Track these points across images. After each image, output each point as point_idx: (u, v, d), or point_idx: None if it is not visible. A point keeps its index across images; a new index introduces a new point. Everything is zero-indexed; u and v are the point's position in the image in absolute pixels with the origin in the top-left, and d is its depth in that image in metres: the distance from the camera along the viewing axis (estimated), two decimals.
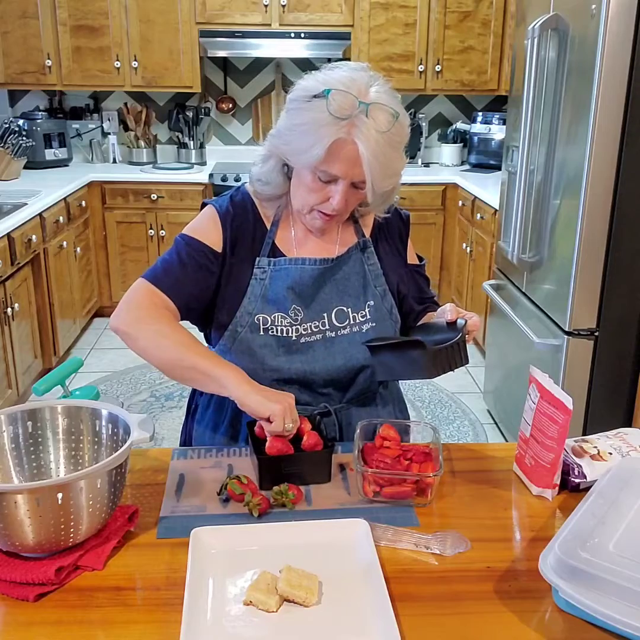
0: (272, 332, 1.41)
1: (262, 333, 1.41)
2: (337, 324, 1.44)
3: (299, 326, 1.42)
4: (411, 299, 1.56)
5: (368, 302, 1.46)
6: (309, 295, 1.42)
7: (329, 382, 1.45)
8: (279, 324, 1.41)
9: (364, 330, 1.45)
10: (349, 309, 1.45)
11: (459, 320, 1.33)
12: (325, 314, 1.43)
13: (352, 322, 1.45)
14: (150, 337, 1.30)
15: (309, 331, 1.42)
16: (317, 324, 1.43)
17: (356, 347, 1.44)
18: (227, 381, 1.25)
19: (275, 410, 1.21)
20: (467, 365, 1.33)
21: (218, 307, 1.43)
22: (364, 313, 1.46)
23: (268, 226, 1.44)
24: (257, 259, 1.41)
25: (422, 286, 1.58)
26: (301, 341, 1.42)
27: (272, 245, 1.43)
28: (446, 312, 1.35)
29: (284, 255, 1.43)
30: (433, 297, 1.61)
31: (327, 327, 1.44)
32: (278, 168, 1.38)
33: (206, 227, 1.42)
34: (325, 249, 1.45)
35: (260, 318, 1.41)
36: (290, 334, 1.41)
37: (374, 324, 1.46)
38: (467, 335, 1.34)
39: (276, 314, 1.41)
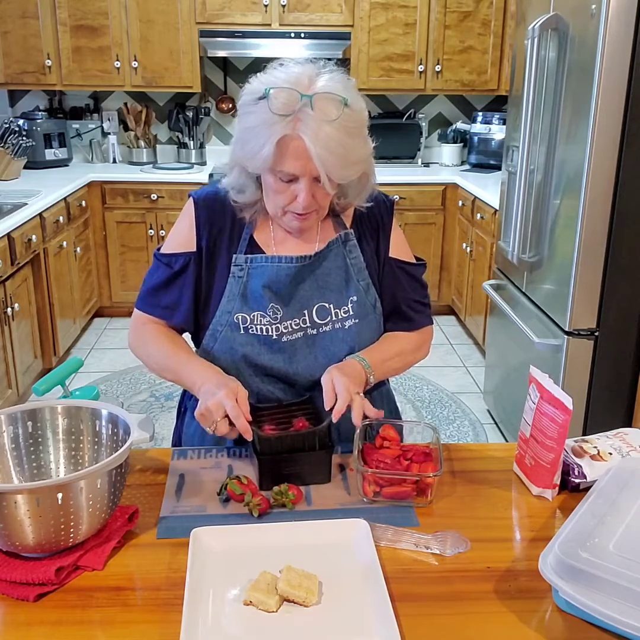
0: (253, 331, 1.40)
1: (242, 332, 1.40)
2: (319, 321, 1.42)
3: (278, 325, 1.40)
4: (390, 296, 1.48)
5: (351, 297, 1.43)
6: (287, 293, 1.40)
7: (313, 384, 1.41)
8: (259, 322, 1.39)
9: (346, 327, 1.42)
10: (331, 305, 1.42)
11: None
12: (305, 311, 1.41)
13: (334, 318, 1.42)
14: (144, 355, 1.47)
15: (290, 329, 1.40)
16: (298, 321, 1.41)
17: (338, 344, 1.42)
18: (194, 386, 1.35)
19: (197, 414, 1.27)
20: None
21: (200, 309, 1.44)
22: (347, 309, 1.42)
23: (246, 222, 1.41)
24: (234, 256, 1.40)
25: (403, 284, 1.49)
26: (283, 340, 1.40)
27: (250, 240, 1.41)
28: (327, 393, 1.27)
29: (263, 252, 1.41)
30: (422, 301, 1.51)
31: (308, 324, 1.41)
32: (245, 175, 1.35)
33: (180, 229, 1.44)
34: (305, 246, 1.42)
35: (240, 317, 1.40)
36: (270, 333, 1.40)
37: (356, 320, 1.43)
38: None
39: (255, 313, 1.39)
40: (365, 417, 1.27)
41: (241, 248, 1.41)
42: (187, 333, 1.50)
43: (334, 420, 1.25)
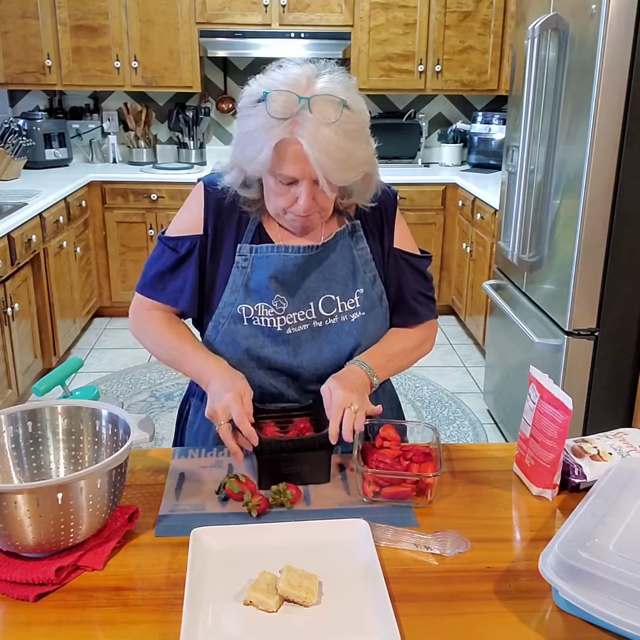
0: (256, 322, 1.38)
1: (245, 324, 1.38)
2: (324, 313, 1.40)
3: (283, 317, 1.38)
4: (395, 288, 1.47)
5: (357, 290, 1.41)
6: (294, 284, 1.39)
7: (317, 378, 1.39)
8: (263, 314, 1.38)
9: (352, 319, 1.41)
10: (337, 297, 1.40)
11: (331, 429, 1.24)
12: (311, 303, 1.39)
13: (340, 310, 1.41)
14: (149, 345, 1.47)
15: (295, 321, 1.39)
16: (304, 313, 1.39)
17: (344, 337, 1.41)
18: (202, 381, 1.36)
19: (210, 414, 1.28)
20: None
21: (204, 297, 1.42)
22: (353, 301, 1.41)
23: (252, 216, 1.40)
24: (239, 245, 1.38)
25: (408, 276, 1.47)
26: (287, 332, 1.39)
27: (257, 231, 1.39)
28: (327, 409, 1.27)
29: (271, 241, 1.39)
30: (426, 293, 1.50)
31: (314, 316, 1.40)
32: (245, 176, 1.34)
33: (188, 212, 1.42)
34: (311, 236, 1.40)
35: (243, 308, 1.38)
36: (274, 325, 1.38)
37: (363, 313, 1.41)
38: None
39: (259, 304, 1.38)
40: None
41: (247, 238, 1.39)
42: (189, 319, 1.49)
43: (333, 442, 1.24)
